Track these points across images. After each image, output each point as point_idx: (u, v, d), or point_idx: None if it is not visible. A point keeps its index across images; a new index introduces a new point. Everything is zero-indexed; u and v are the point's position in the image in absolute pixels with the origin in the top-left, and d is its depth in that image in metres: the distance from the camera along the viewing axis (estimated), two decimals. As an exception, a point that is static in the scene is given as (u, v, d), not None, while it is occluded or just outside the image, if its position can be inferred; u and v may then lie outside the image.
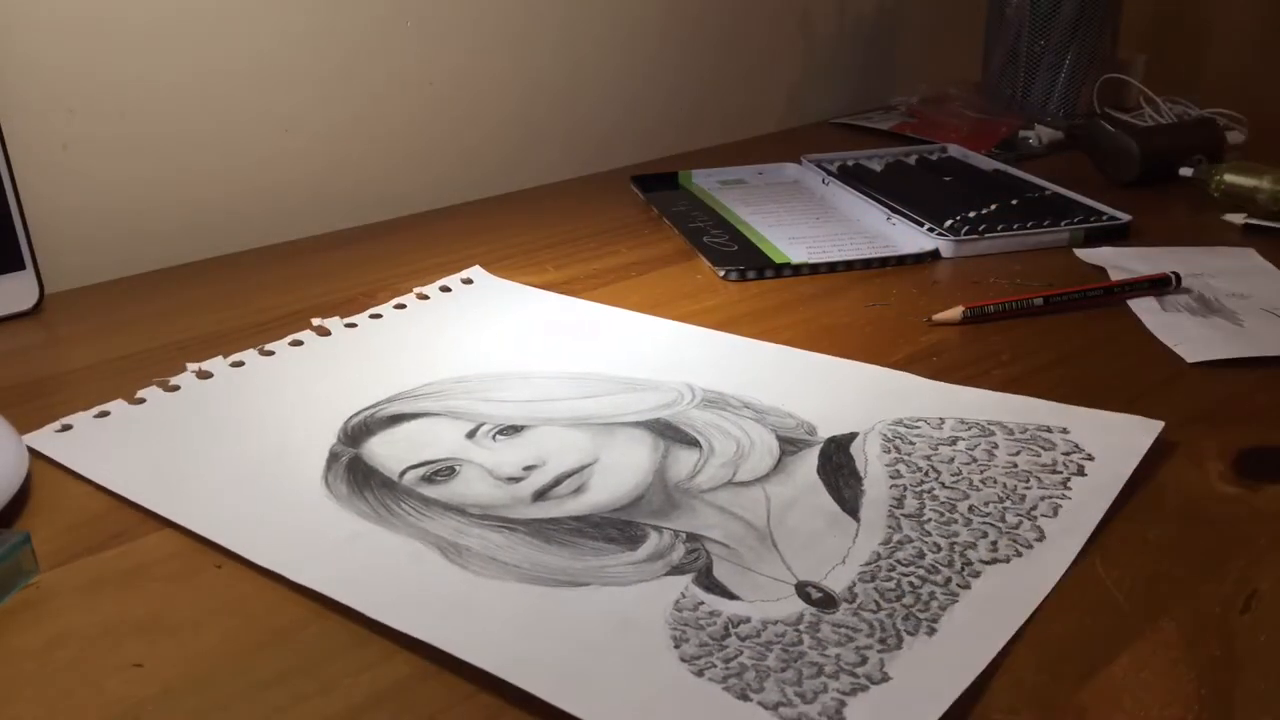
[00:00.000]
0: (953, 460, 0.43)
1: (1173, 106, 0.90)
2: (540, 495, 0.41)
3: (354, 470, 0.43)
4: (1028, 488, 0.41)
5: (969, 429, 0.45)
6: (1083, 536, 0.38)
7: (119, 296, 0.64)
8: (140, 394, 0.50)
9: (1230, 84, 1.06)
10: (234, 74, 0.70)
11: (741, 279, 0.63)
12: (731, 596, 0.35)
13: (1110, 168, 0.79)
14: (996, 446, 0.43)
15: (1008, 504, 0.40)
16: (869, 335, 0.54)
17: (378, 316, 0.58)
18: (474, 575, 0.37)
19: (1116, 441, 0.43)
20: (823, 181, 0.77)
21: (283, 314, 0.58)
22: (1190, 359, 0.51)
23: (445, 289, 0.61)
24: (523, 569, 0.37)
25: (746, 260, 0.64)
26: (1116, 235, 0.67)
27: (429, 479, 0.43)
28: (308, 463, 0.44)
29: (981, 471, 0.42)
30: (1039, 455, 0.43)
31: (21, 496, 0.42)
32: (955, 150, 0.84)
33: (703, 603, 0.35)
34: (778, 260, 0.64)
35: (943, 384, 0.49)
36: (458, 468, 0.43)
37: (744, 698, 0.31)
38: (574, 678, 0.32)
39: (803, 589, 0.36)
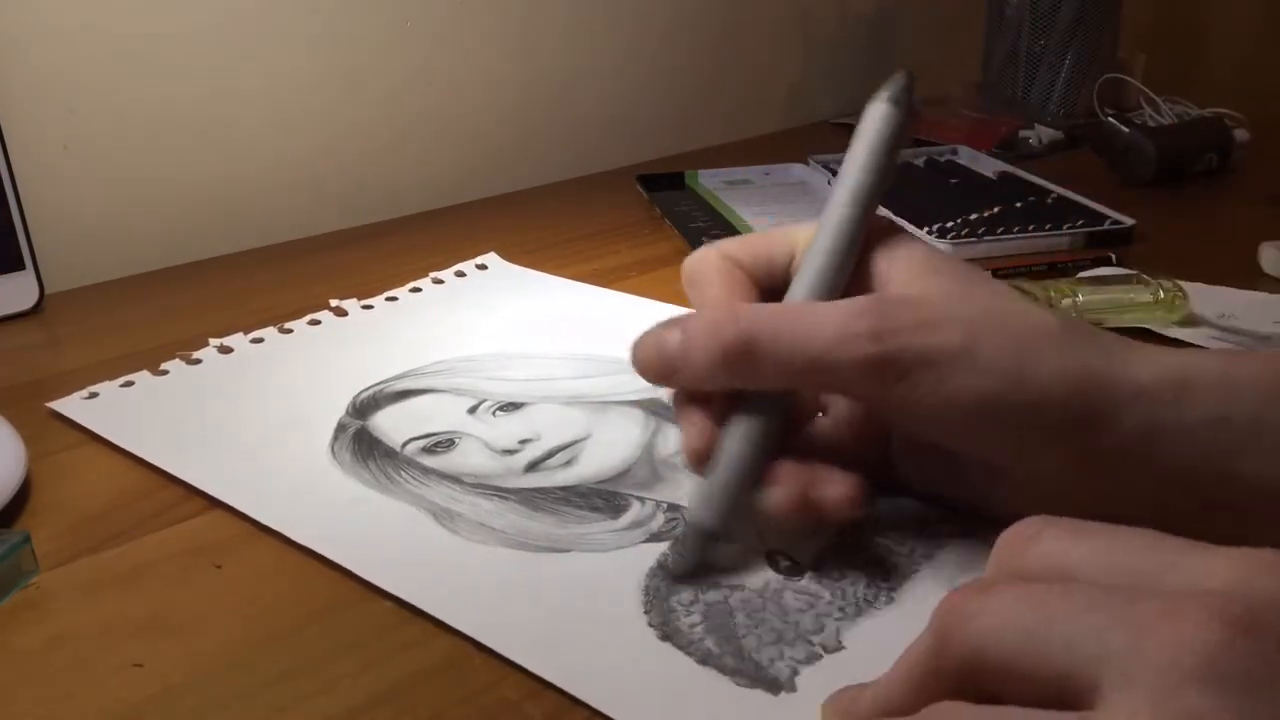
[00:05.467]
0: None
1: (1173, 106, 0.90)
2: (532, 466, 0.43)
3: (359, 441, 0.45)
4: None
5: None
6: None
7: (119, 296, 0.64)
8: (164, 366, 0.52)
9: (1230, 84, 1.06)
10: (233, 74, 0.70)
11: None
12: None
13: (1124, 168, 0.79)
14: None
15: None
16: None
17: (393, 299, 0.60)
18: (463, 540, 0.38)
19: None
20: (828, 183, 0.77)
21: (283, 314, 0.58)
22: None
23: (460, 274, 0.63)
24: (509, 534, 0.39)
25: None
26: (1120, 240, 0.66)
27: (429, 450, 0.44)
28: (316, 434, 0.46)
29: None
30: None
31: (21, 496, 0.42)
32: (965, 152, 0.84)
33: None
34: (778, 260, 0.64)
35: None
36: (457, 440, 0.45)
37: (704, 662, 0.32)
38: (544, 640, 0.33)
39: (772, 557, 0.37)
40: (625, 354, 0.51)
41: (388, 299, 0.60)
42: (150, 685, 0.33)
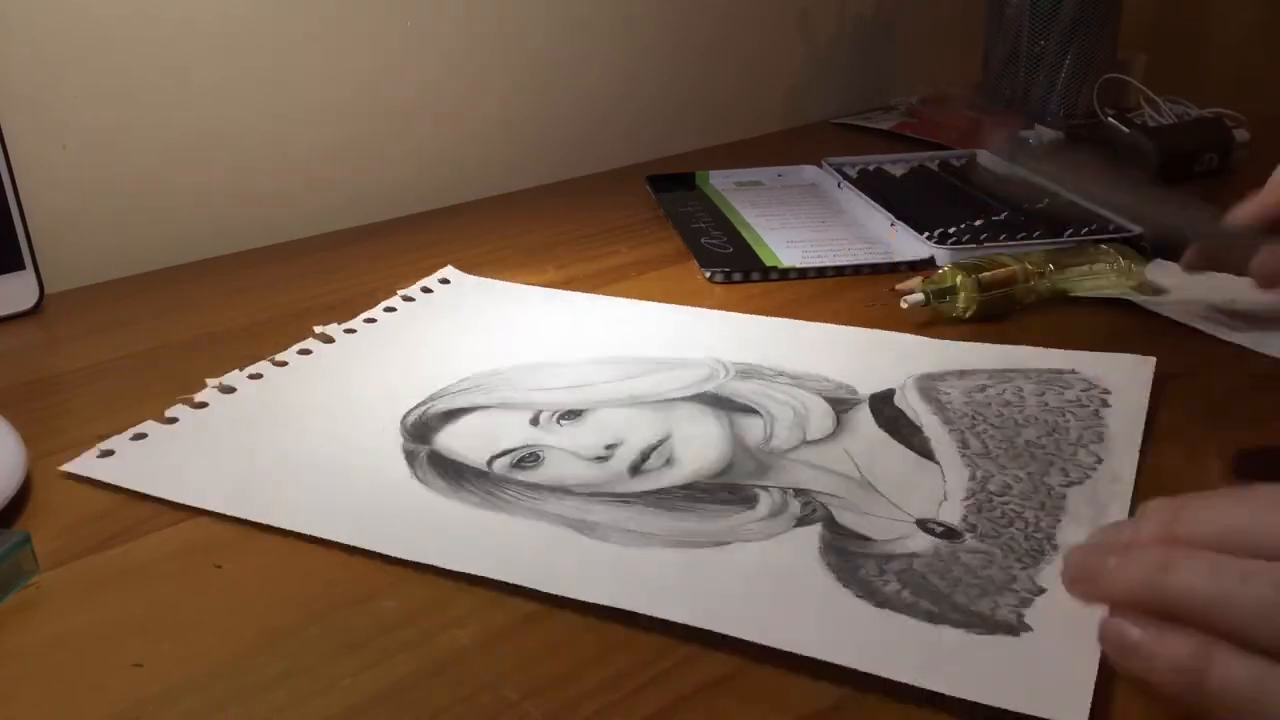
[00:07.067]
0: (989, 404, 0.46)
1: (1173, 106, 0.90)
2: (635, 470, 0.43)
3: (439, 465, 0.43)
4: (1066, 422, 0.44)
5: (989, 376, 0.48)
6: (1134, 455, 0.42)
7: (119, 296, 0.64)
8: (170, 412, 0.48)
9: (1230, 84, 1.06)
10: (234, 74, 0.70)
11: (726, 281, 0.63)
12: (865, 539, 0.37)
13: (1124, 168, 0.79)
14: (1022, 390, 0.47)
15: (1056, 435, 0.43)
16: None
17: (372, 321, 0.58)
18: (619, 546, 0.37)
19: (1122, 376, 0.48)
20: (838, 185, 0.77)
21: (283, 314, 0.58)
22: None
23: (426, 290, 0.62)
24: (661, 535, 0.38)
25: (734, 262, 0.64)
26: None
27: (518, 465, 0.43)
28: (387, 465, 0.43)
29: (1020, 411, 0.45)
30: (1062, 393, 0.46)
31: (21, 496, 0.42)
32: (984, 156, 0.83)
33: (845, 548, 0.37)
34: (768, 263, 0.64)
35: (946, 342, 0.53)
36: (541, 453, 0.44)
37: (932, 620, 0.33)
38: (774, 620, 0.33)
39: (924, 525, 0.38)
40: (650, 353, 0.52)
41: (366, 320, 0.57)
42: (150, 685, 0.33)
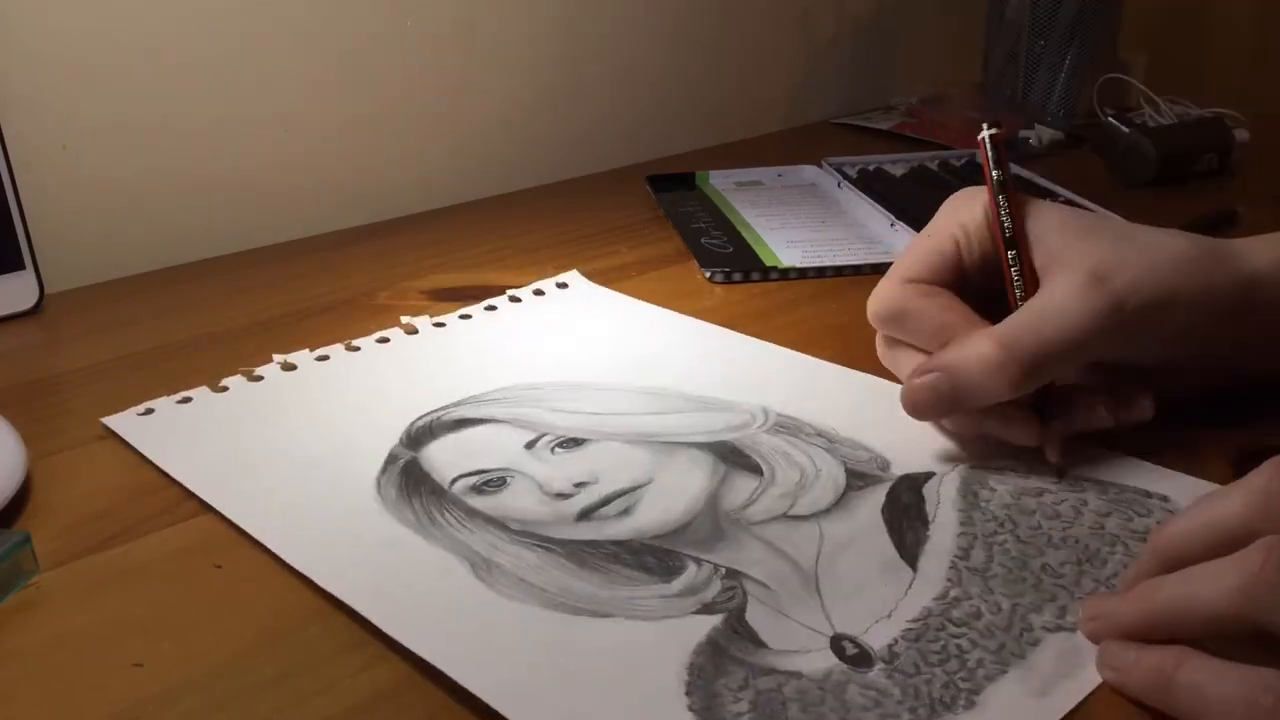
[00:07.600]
0: (1034, 513, 0.40)
1: (1173, 106, 0.90)
2: (585, 515, 0.40)
3: (407, 475, 0.43)
4: (1111, 552, 0.38)
5: (1059, 482, 0.42)
6: None
7: (119, 296, 0.64)
8: (225, 382, 0.50)
9: (1230, 83, 1.06)
10: (234, 74, 0.70)
11: (726, 281, 0.63)
12: (759, 644, 0.33)
13: (1125, 169, 0.79)
14: (1086, 504, 0.40)
15: (1085, 567, 0.37)
16: (869, 336, 0.54)
17: (467, 317, 0.57)
18: (497, 595, 0.36)
19: None
20: (838, 185, 0.77)
21: (284, 314, 0.58)
22: None
23: (539, 292, 0.60)
24: (548, 593, 0.36)
25: (734, 262, 0.64)
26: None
27: (478, 489, 0.42)
28: (366, 464, 0.44)
29: (1064, 529, 0.39)
30: (1131, 520, 0.39)
31: (21, 496, 0.42)
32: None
33: (726, 648, 0.33)
34: (768, 263, 0.64)
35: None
36: (509, 479, 0.42)
37: None
38: (569, 716, 0.31)
39: (838, 642, 0.34)
40: (705, 389, 0.49)
41: (461, 316, 0.57)
42: (150, 685, 0.33)
